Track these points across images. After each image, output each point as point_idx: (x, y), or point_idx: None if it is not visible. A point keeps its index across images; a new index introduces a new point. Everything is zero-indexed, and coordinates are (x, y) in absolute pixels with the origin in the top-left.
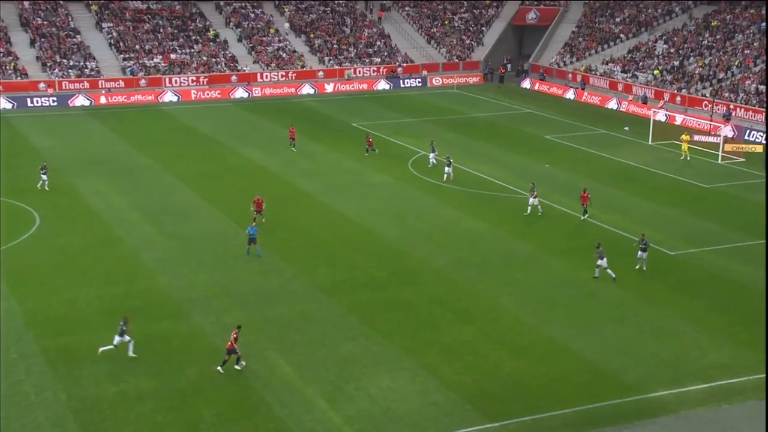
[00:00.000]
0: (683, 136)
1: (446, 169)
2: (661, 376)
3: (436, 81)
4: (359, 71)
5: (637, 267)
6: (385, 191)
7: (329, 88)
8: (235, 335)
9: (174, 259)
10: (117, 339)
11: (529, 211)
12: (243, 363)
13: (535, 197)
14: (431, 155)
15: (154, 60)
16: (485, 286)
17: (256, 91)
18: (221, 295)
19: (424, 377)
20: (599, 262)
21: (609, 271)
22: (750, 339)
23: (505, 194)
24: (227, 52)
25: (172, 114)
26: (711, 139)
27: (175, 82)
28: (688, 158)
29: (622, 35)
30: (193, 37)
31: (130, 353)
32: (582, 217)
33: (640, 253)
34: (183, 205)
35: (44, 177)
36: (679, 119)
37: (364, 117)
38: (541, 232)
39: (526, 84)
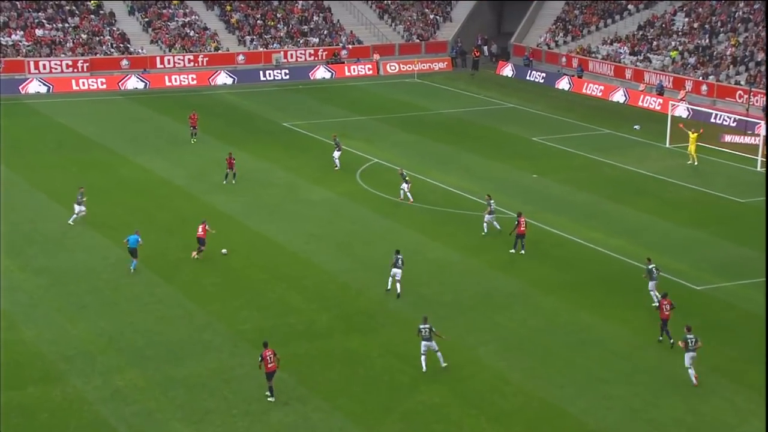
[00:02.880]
0: (691, 133)
1: (403, 186)
2: None
3: (392, 68)
4: (291, 55)
5: (655, 304)
6: (326, 211)
7: (253, 76)
8: (271, 355)
9: (44, 303)
10: (425, 345)
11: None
12: (272, 398)
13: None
14: (336, 154)
15: (13, 37)
16: (458, 333)
17: (156, 81)
18: (109, 349)
19: None
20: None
21: None
22: None
23: (482, 213)
24: (115, 29)
25: (40, 110)
26: (747, 139)
27: (44, 67)
28: (695, 162)
29: (630, 6)
30: (67, 8)
31: (442, 363)
32: (512, 251)
33: (651, 284)
34: (57, 231)
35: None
36: (705, 115)
37: (299, 114)
38: (529, 263)
39: (507, 71)
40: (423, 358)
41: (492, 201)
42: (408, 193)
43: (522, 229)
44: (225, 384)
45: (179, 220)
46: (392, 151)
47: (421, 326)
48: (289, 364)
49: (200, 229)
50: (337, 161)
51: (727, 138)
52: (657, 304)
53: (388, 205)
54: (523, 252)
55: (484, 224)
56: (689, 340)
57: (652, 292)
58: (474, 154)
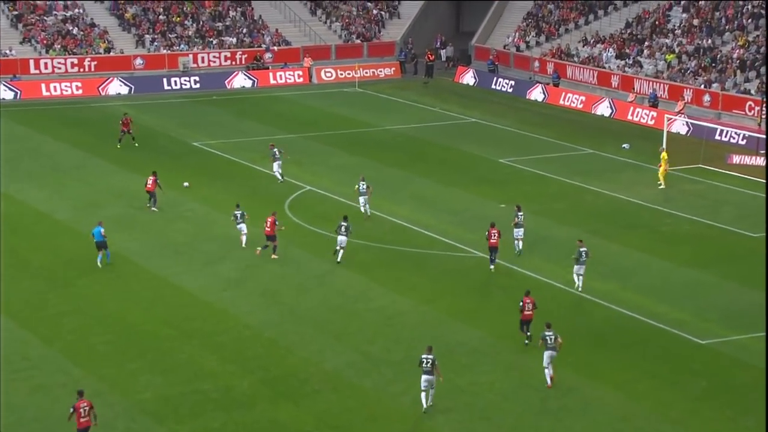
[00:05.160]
0: (662, 152)
1: (361, 201)
2: None
3: (327, 74)
4: (202, 59)
5: (578, 287)
6: (248, 250)
7: (154, 85)
8: (86, 407)
9: None
10: (426, 379)
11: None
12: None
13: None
14: (275, 165)
15: None
16: (410, 399)
17: (29, 90)
18: None
19: None
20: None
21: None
22: None
23: (439, 251)
24: None
25: None
26: (760, 161)
27: None
28: (661, 185)
29: None
30: None
31: (429, 403)
32: (491, 267)
33: (576, 267)
34: None
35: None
36: (708, 131)
37: (212, 132)
38: (496, 311)
39: (467, 78)
40: (423, 394)
41: (521, 213)
42: (364, 207)
43: (492, 241)
44: None
45: (62, 264)
46: (329, 176)
47: (424, 356)
48: None
49: (267, 224)
50: (278, 174)
51: (736, 159)
52: (578, 285)
53: (325, 242)
54: (492, 267)
55: (514, 242)
56: (547, 337)
57: (576, 276)
58: (428, 180)
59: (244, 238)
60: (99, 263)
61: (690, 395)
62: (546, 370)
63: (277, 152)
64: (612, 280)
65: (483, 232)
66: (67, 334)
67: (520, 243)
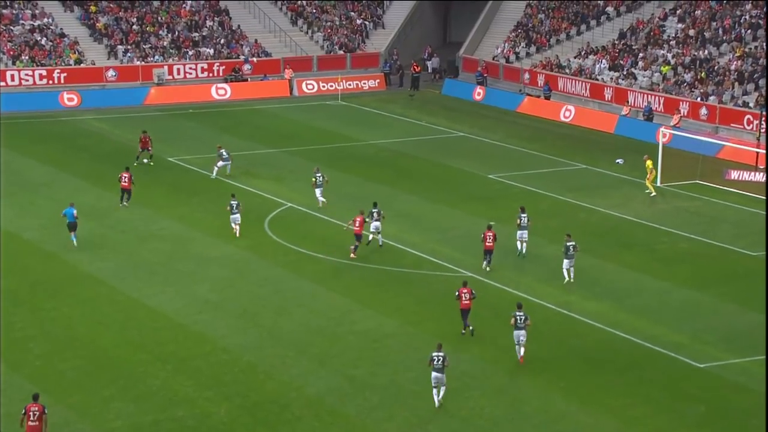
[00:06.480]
0: (647, 161)
1: (317, 192)
2: None
3: (309, 86)
4: (178, 71)
5: (566, 281)
6: (226, 270)
7: (128, 98)
8: (36, 411)
9: None
10: (435, 377)
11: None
12: None
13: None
14: (221, 164)
15: None
16: (397, 425)
17: None
18: None
19: None
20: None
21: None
22: None
23: (426, 271)
24: None
25: None
26: (759, 176)
27: None
28: (652, 193)
29: (609, 9)
30: None
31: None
32: (487, 269)
33: (566, 262)
34: None
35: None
36: (705, 147)
37: (188, 146)
38: (487, 334)
39: (455, 90)
40: (435, 391)
41: (524, 215)
42: (320, 199)
43: (488, 244)
44: None
45: (28, 286)
46: (310, 192)
47: (435, 354)
48: None
49: (357, 223)
50: (228, 167)
51: (734, 175)
52: (568, 279)
53: (306, 261)
54: (488, 269)
55: (517, 243)
56: (518, 317)
57: (565, 270)
58: (415, 197)
59: (237, 228)
60: (74, 243)
61: (688, 421)
62: (516, 347)
63: (224, 153)
64: (606, 301)
65: (472, 251)
66: (34, 359)
67: (524, 245)
